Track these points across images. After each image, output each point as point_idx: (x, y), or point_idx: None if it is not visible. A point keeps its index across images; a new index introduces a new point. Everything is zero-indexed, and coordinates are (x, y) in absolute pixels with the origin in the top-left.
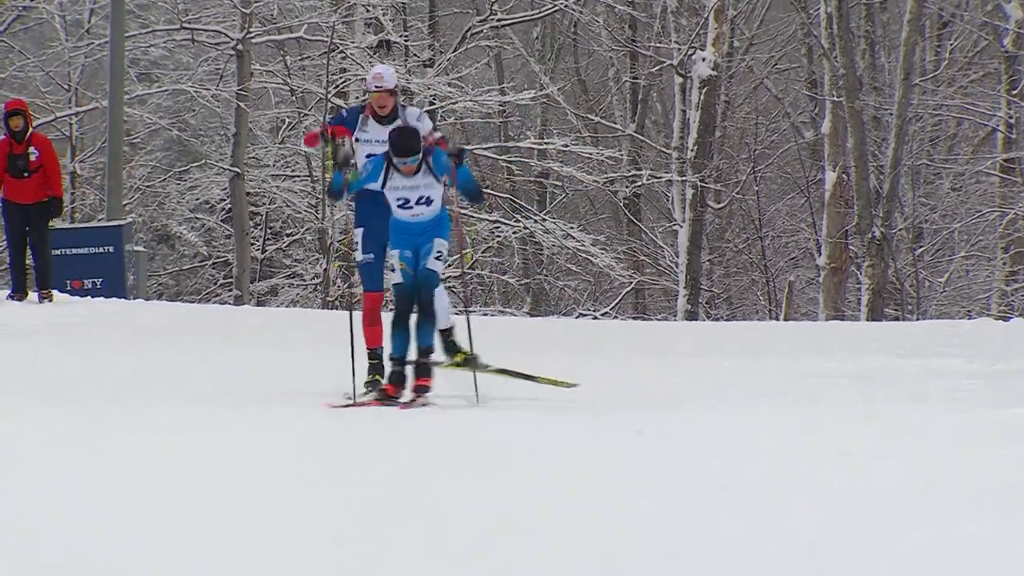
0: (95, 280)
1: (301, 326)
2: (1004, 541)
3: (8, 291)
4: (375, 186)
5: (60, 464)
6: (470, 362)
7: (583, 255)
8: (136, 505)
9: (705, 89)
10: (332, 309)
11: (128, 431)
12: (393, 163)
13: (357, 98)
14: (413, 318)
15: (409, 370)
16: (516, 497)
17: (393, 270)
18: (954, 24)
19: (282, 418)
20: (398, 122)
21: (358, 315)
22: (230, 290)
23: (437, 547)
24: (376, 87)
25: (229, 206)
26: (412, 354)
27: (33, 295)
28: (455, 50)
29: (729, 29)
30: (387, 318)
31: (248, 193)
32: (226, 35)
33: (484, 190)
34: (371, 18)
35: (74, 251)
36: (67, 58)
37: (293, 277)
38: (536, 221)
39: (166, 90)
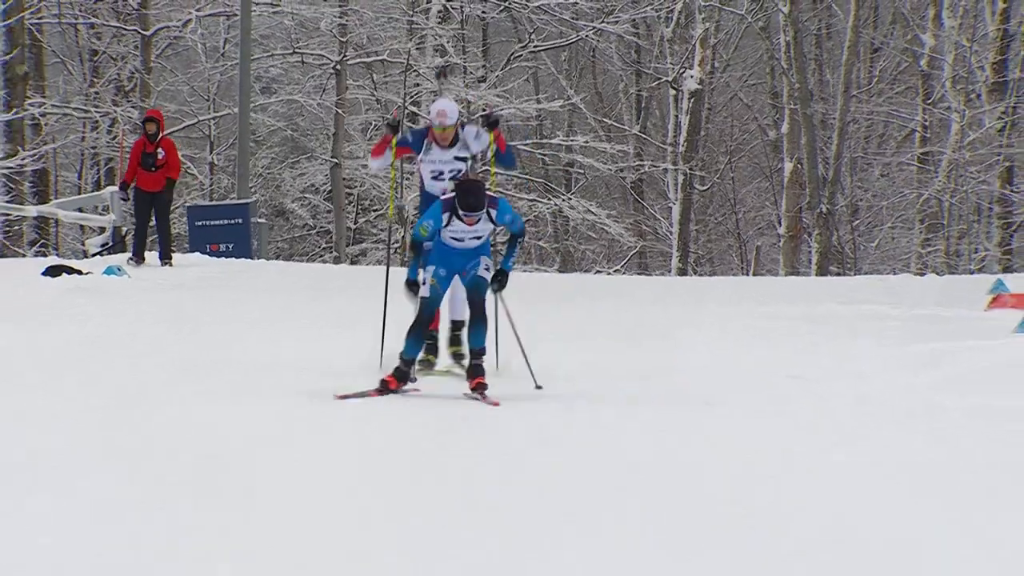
0: (228, 244)
1: (386, 280)
2: (929, 444)
3: (130, 255)
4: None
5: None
6: (459, 357)
7: (600, 226)
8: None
9: (692, 99)
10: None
11: (272, 342)
12: (457, 213)
13: (428, 109)
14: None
15: (416, 368)
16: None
17: (423, 283)
18: (883, 49)
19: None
20: (459, 147)
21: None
22: (331, 253)
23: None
24: (439, 124)
25: (329, 188)
26: (420, 357)
27: (154, 258)
28: (502, 69)
29: (711, 53)
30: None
31: (344, 178)
32: (327, 57)
33: (526, 176)
34: (438, 45)
35: (212, 223)
36: (206, 75)
37: (378, 243)
38: (564, 200)
39: (282, 99)
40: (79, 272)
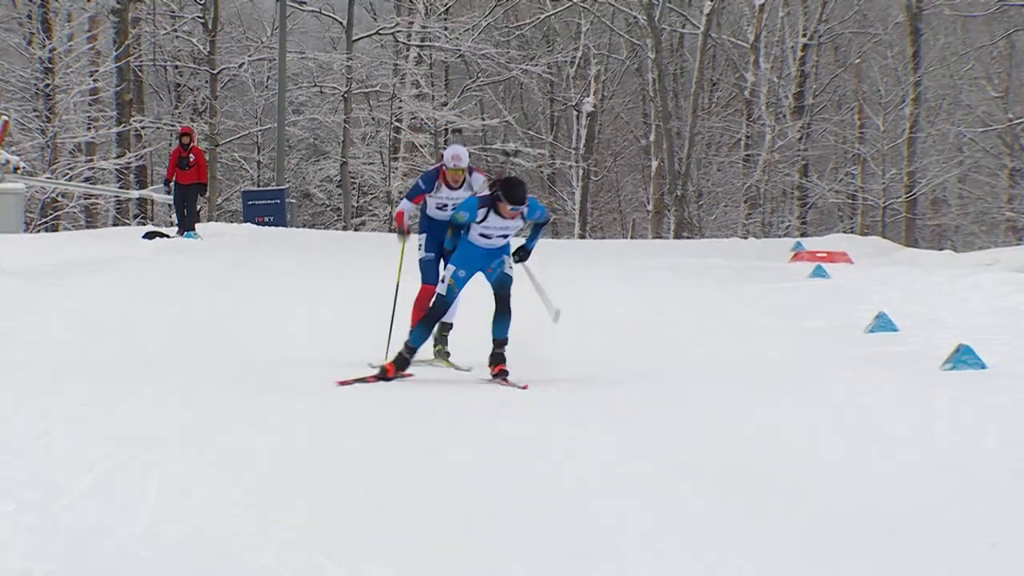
0: (269, 217)
1: (378, 242)
2: (764, 349)
3: (158, 231)
4: (436, 212)
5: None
6: (443, 355)
7: None
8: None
9: (589, 118)
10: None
11: (302, 277)
12: (496, 207)
13: (409, 126)
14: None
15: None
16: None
17: (442, 281)
18: (719, 83)
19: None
20: (464, 188)
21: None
22: (340, 223)
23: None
24: (453, 165)
25: (339, 179)
26: (424, 349)
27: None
28: (458, 96)
29: (601, 86)
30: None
31: (349, 172)
32: (338, 88)
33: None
34: (415, 80)
35: (259, 202)
36: (255, 101)
37: (373, 217)
38: None
39: (306, 118)
40: (167, 236)
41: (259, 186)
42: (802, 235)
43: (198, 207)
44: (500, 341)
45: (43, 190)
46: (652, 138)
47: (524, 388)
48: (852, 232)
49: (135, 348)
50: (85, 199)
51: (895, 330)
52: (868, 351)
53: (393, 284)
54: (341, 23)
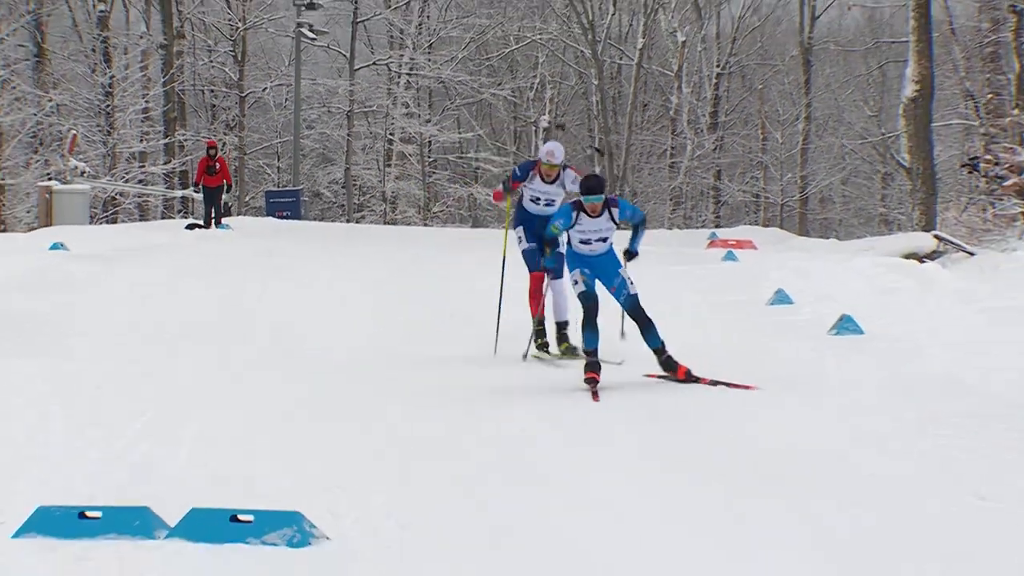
0: (287, 212)
1: (375, 233)
2: (695, 323)
3: (197, 223)
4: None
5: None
6: (571, 351)
7: (493, 202)
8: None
9: (545, 132)
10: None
11: (314, 259)
12: (583, 208)
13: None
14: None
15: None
16: None
17: (576, 283)
18: (650, 104)
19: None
20: (558, 184)
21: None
22: (344, 218)
23: None
24: (547, 160)
25: (343, 182)
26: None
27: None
28: (439, 115)
29: (555, 106)
30: (575, 314)
31: (352, 176)
32: (343, 108)
33: (455, 172)
34: (404, 101)
35: (279, 200)
36: (275, 118)
37: (371, 212)
38: (474, 187)
39: (317, 132)
40: (206, 227)
41: (279, 187)
42: (716, 227)
43: (227, 203)
44: (659, 349)
45: (104, 190)
46: (597, 148)
47: (713, 383)
48: (756, 224)
49: (178, 317)
50: (138, 197)
51: (791, 303)
52: (770, 320)
53: (381, 268)
54: (345, 55)
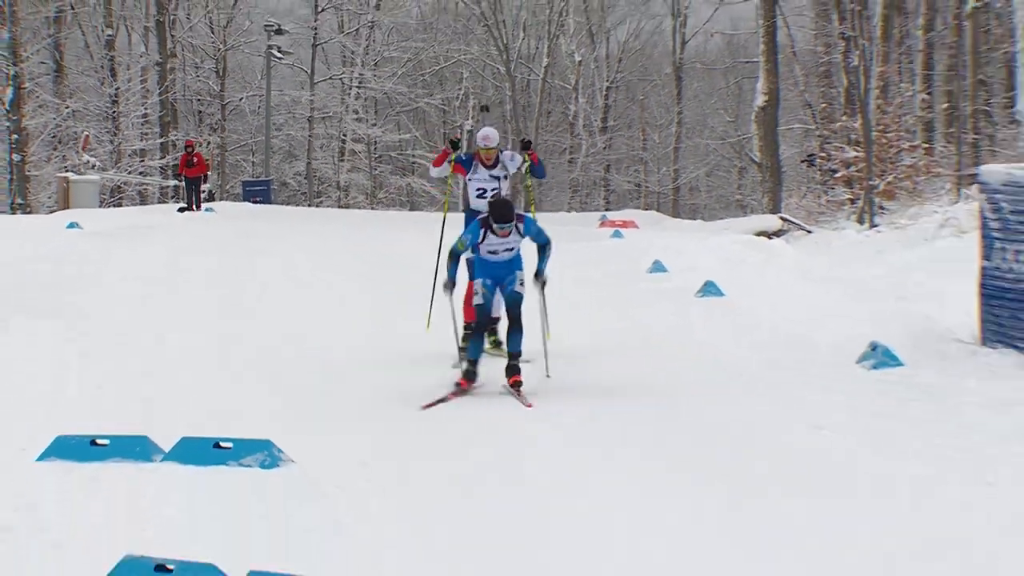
0: (260, 198)
1: (331, 215)
2: (592, 292)
3: (181, 207)
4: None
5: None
6: (497, 344)
7: (426, 190)
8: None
9: (468, 134)
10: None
11: (283, 239)
12: (492, 227)
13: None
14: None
15: (481, 369)
16: None
17: (476, 294)
18: (552, 111)
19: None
20: (499, 167)
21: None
22: (307, 203)
23: None
24: (484, 145)
25: (305, 174)
26: (485, 357)
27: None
28: (383, 119)
29: (476, 113)
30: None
31: (314, 170)
32: (304, 115)
33: (397, 166)
34: (355, 108)
35: (254, 188)
36: (249, 121)
37: (328, 198)
38: (411, 178)
39: (285, 134)
40: (189, 209)
41: (253, 178)
42: (606, 210)
43: (210, 190)
44: (515, 354)
45: (111, 180)
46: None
47: (529, 407)
48: (638, 208)
49: (170, 285)
50: (138, 186)
51: (666, 271)
52: (649, 285)
53: (334, 241)
54: (306, 71)
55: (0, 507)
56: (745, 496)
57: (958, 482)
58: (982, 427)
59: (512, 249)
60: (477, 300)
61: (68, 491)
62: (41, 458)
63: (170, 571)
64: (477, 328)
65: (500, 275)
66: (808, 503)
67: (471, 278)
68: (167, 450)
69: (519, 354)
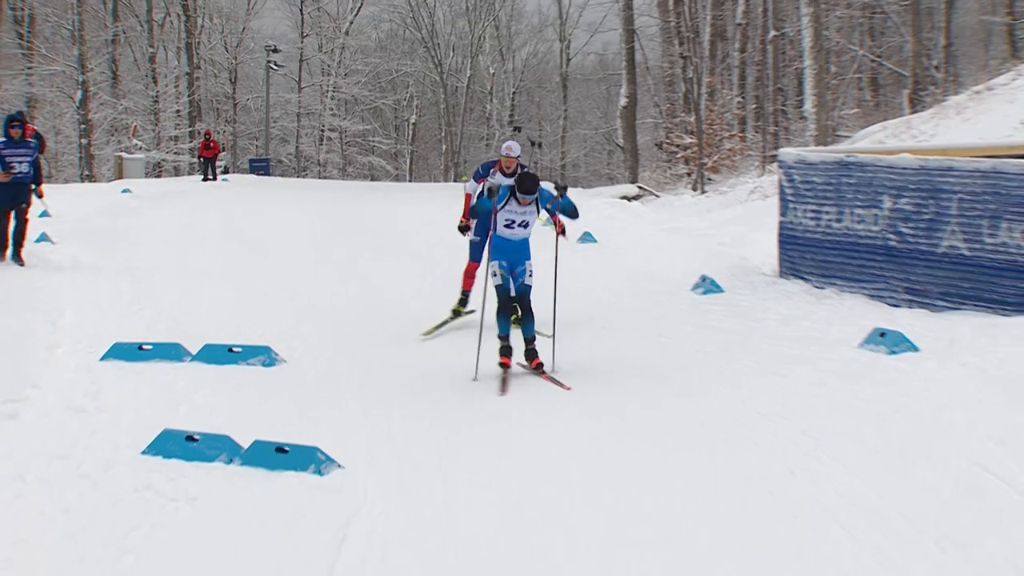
0: (263, 172)
1: (315, 184)
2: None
3: (203, 178)
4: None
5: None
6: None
7: (385, 169)
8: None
9: (414, 126)
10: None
11: (282, 204)
12: (516, 195)
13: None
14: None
15: (516, 345)
16: None
17: (494, 275)
18: (474, 109)
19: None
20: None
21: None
22: (295, 175)
23: None
24: (506, 155)
25: (295, 154)
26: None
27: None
28: (351, 115)
29: (419, 110)
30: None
31: (301, 152)
32: (294, 114)
33: (368, 149)
34: (331, 107)
35: (258, 164)
36: (254, 116)
37: (311, 173)
38: (375, 157)
39: (280, 126)
40: (213, 179)
41: (257, 156)
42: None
43: (225, 166)
44: (530, 339)
45: (153, 158)
46: (443, 136)
47: (568, 389)
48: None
49: (198, 233)
50: (173, 163)
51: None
52: (538, 237)
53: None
54: (295, 79)
55: (75, 394)
56: (624, 390)
57: (762, 372)
58: (779, 334)
59: (527, 226)
60: (496, 281)
61: (122, 382)
62: (103, 358)
63: (196, 440)
64: (501, 307)
65: (513, 261)
66: (658, 390)
67: (471, 260)
68: (194, 353)
69: (534, 338)
